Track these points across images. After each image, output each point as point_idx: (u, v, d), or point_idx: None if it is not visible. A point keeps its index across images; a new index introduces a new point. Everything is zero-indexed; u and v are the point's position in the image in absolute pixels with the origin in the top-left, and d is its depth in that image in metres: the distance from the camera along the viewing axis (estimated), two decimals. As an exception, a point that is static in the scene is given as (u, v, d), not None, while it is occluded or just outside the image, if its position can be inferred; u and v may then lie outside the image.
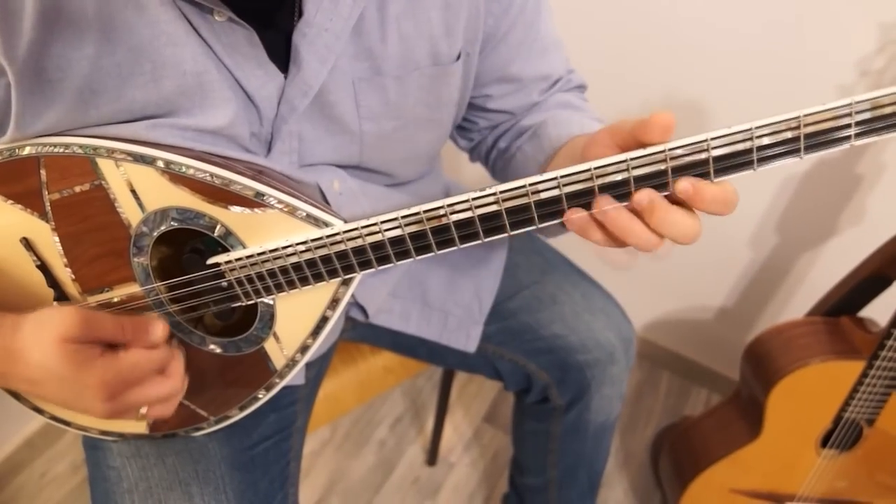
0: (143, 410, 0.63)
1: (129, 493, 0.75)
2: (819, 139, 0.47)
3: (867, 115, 0.46)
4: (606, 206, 0.52)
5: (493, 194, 0.53)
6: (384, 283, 0.92)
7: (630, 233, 0.53)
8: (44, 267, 0.64)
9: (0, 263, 0.65)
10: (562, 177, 0.51)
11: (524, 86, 0.82)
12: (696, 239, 0.53)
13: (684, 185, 0.50)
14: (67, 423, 0.76)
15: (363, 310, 0.92)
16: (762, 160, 0.49)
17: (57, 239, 0.62)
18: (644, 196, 0.51)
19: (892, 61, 1.12)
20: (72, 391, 0.58)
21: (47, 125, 0.58)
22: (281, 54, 0.63)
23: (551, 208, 0.53)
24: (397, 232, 0.56)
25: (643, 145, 0.50)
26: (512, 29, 0.76)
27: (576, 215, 0.53)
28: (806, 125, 0.47)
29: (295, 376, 0.71)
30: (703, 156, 0.49)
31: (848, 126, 0.46)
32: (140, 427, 0.76)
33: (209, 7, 0.57)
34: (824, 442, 1.15)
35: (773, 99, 1.26)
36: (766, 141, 0.48)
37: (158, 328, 0.62)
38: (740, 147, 0.48)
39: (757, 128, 0.47)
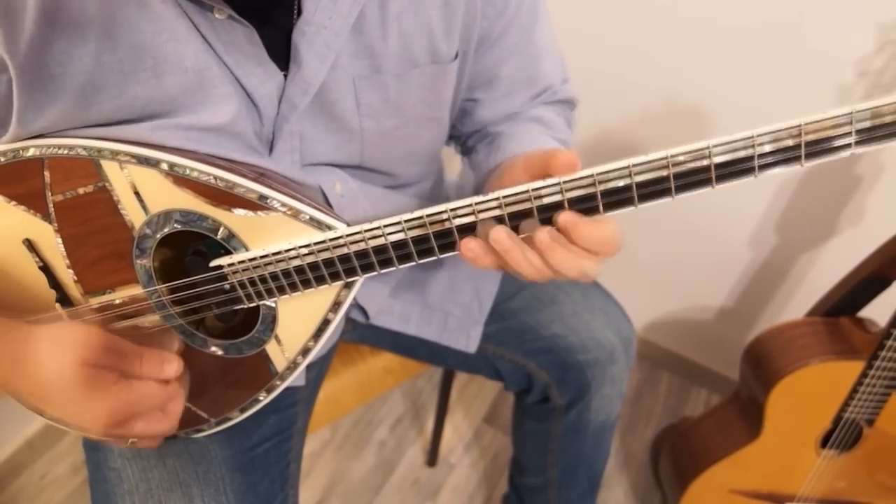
0: (134, 439, 0.63)
1: (130, 494, 0.75)
2: (820, 147, 0.48)
3: (867, 124, 0.46)
4: (502, 236, 0.53)
5: (496, 199, 0.53)
6: (385, 284, 0.92)
7: (523, 264, 0.55)
8: (46, 268, 0.64)
9: (2, 264, 0.65)
10: (564, 182, 0.51)
11: (509, 91, 0.82)
12: (589, 277, 0.55)
13: (564, 217, 0.52)
14: (69, 425, 0.76)
15: (363, 311, 0.92)
16: (763, 167, 0.49)
17: (59, 240, 0.62)
18: (545, 236, 0.52)
19: (891, 61, 1.13)
20: (76, 411, 0.58)
21: (49, 122, 0.58)
22: (281, 53, 0.63)
23: (553, 213, 0.53)
24: (400, 236, 0.56)
25: (549, 176, 0.52)
26: (506, 32, 0.76)
27: (473, 243, 0.55)
28: (807, 133, 0.47)
29: (295, 378, 0.71)
30: (705, 162, 0.49)
31: (848, 134, 0.47)
32: None
33: (209, 5, 0.57)
34: (824, 442, 1.15)
35: (772, 99, 1.26)
36: (767, 148, 0.48)
37: (173, 366, 0.63)
38: (741, 154, 0.49)
39: (758, 135, 0.48)
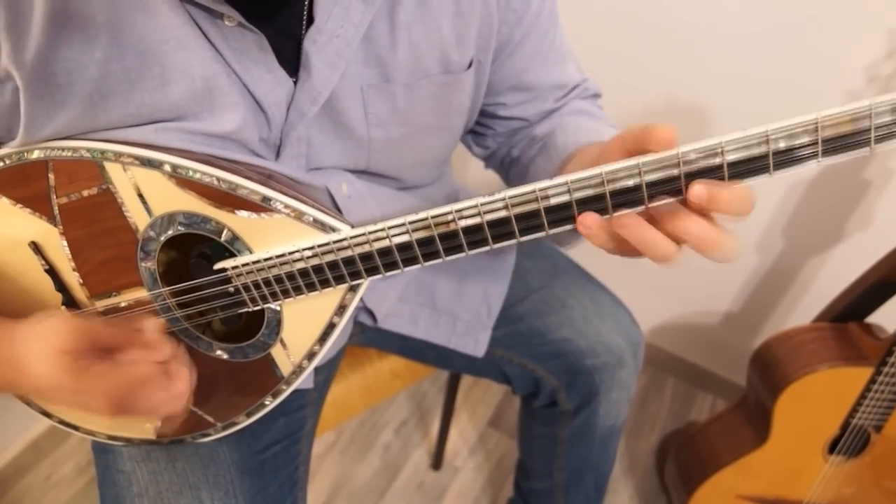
0: (153, 406, 0.62)
1: (140, 497, 0.75)
2: (837, 143, 0.46)
3: (887, 118, 0.44)
4: (628, 220, 0.51)
5: (502, 199, 0.52)
6: (393, 287, 0.92)
7: (645, 242, 0.52)
8: (52, 271, 0.64)
9: (8, 267, 0.65)
10: (572, 182, 0.50)
11: (539, 94, 0.82)
12: (723, 252, 0.51)
13: (698, 189, 0.48)
14: (75, 427, 0.76)
15: (372, 314, 0.91)
16: (779, 165, 0.47)
17: (65, 243, 0.62)
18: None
19: (901, 67, 1.12)
20: (78, 399, 0.57)
21: (56, 130, 0.58)
22: (291, 60, 0.63)
23: (561, 214, 0.52)
24: (405, 238, 0.55)
25: (648, 152, 0.50)
26: (526, 38, 0.76)
27: (590, 219, 0.52)
28: (824, 128, 0.45)
29: (304, 380, 0.71)
30: (718, 160, 0.48)
31: (867, 129, 0.45)
32: (147, 433, 0.76)
33: (219, 12, 0.56)
34: (832, 448, 1.15)
35: (779, 106, 1.25)
36: (782, 145, 0.46)
37: (150, 323, 0.62)
38: (756, 151, 0.47)
39: (773, 131, 0.46)
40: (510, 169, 0.89)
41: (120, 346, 0.60)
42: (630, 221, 0.51)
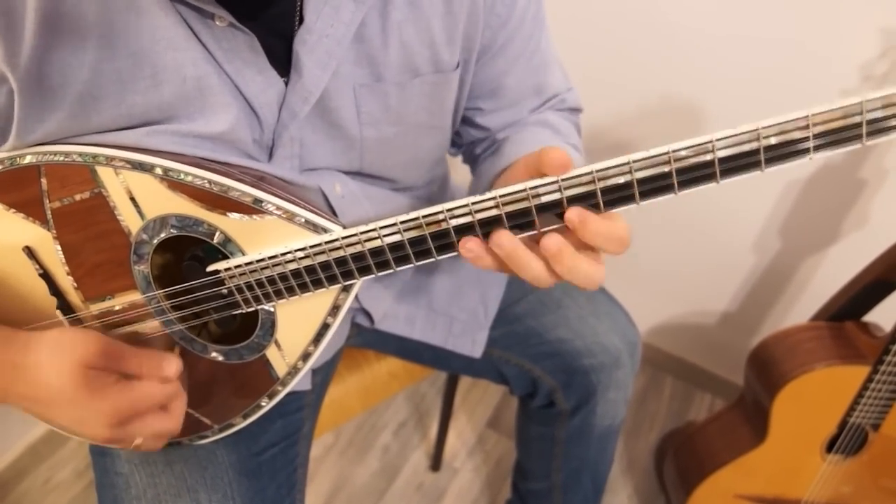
0: (139, 441, 0.63)
1: (138, 499, 0.75)
2: (829, 139, 0.46)
3: (879, 114, 0.44)
4: (504, 240, 0.53)
5: (493, 199, 0.52)
6: (389, 288, 0.92)
7: (518, 262, 0.54)
8: (46, 275, 0.64)
9: (2, 272, 0.65)
10: (563, 180, 0.51)
11: (516, 101, 0.82)
12: (594, 284, 0.54)
13: (571, 214, 0.50)
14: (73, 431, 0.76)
15: (369, 315, 0.91)
16: (770, 161, 0.47)
17: (58, 247, 0.62)
18: (553, 243, 0.51)
19: (894, 66, 1.12)
20: (78, 415, 0.58)
21: (49, 132, 0.58)
22: (282, 60, 0.63)
23: (552, 212, 0.52)
24: (396, 237, 0.56)
25: (544, 175, 0.51)
26: (509, 42, 0.76)
27: (471, 243, 0.54)
28: (815, 124, 0.45)
29: (301, 382, 0.71)
30: (709, 157, 0.48)
31: (858, 125, 0.45)
32: None
33: (210, 12, 0.57)
34: (829, 447, 1.15)
35: (774, 104, 1.25)
36: (773, 141, 0.46)
37: (173, 365, 0.62)
38: (747, 148, 0.47)
39: (764, 128, 0.46)
40: (471, 164, 0.90)
41: (139, 374, 0.61)
42: (505, 241, 0.53)
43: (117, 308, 0.66)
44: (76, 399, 0.56)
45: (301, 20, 0.62)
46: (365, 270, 0.58)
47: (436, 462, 1.62)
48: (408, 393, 1.79)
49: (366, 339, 1.01)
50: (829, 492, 1.21)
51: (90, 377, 0.56)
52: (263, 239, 0.60)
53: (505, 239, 0.53)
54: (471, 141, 0.88)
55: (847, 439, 1.12)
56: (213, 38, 0.59)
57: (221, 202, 0.58)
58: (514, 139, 0.80)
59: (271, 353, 0.68)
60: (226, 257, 0.61)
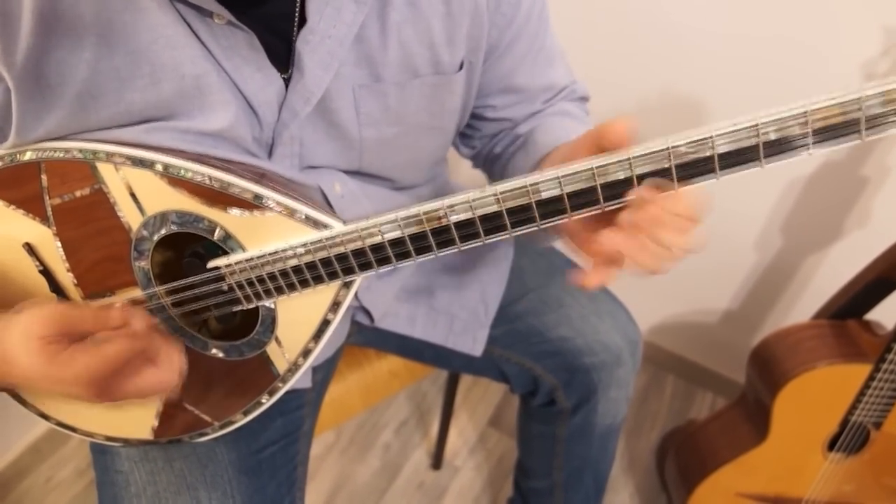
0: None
1: (137, 497, 0.75)
2: (828, 134, 0.45)
3: (878, 110, 0.44)
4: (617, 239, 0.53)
5: (494, 194, 0.52)
6: (390, 287, 0.92)
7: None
8: (46, 272, 0.64)
9: (3, 268, 0.65)
10: (563, 176, 0.51)
11: (528, 96, 0.82)
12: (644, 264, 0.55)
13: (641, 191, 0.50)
14: (73, 429, 0.76)
15: (369, 314, 0.91)
16: (769, 156, 0.47)
17: (59, 244, 0.62)
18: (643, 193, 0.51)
19: (897, 64, 1.12)
20: (60, 387, 0.57)
21: (48, 130, 0.58)
22: (281, 58, 0.63)
23: (552, 207, 0.52)
24: (397, 233, 0.56)
25: (605, 150, 0.51)
26: (516, 40, 0.76)
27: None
28: (814, 120, 0.45)
29: (301, 380, 0.71)
30: (708, 153, 0.48)
31: (857, 120, 0.44)
32: (145, 433, 0.76)
33: (208, 10, 0.57)
34: (831, 445, 1.14)
35: (776, 102, 1.25)
36: (772, 136, 0.46)
37: (137, 316, 0.60)
38: (745, 143, 0.47)
39: (763, 123, 0.46)
40: (493, 165, 0.89)
41: (89, 325, 0.58)
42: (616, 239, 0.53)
43: (118, 304, 0.66)
44: (48, 372, 0.55)
45: (302, 20, 0.62)
46: (365, 266, 0.58)
47: (437, 460, 1.62)
48: (409, 391, 1.79)
49: (366, 337, 1.01)
50: (830, 490, 1.21)
51: (52, 351, 0.55)
52: (264, 235, 0.60)
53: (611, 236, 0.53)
54: (490, 135, 0.88)
55: (849, 438, 1.12)
56: (212, 35, 0.59)
57: (222, 198, 0.58)
58: (541, 128, 0.80)
59: (272, 349, 0.68)
60: (226, 253, 0.61)
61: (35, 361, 0.55)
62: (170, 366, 0.63)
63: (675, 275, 1.64)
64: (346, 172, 0.75)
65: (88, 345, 0.57)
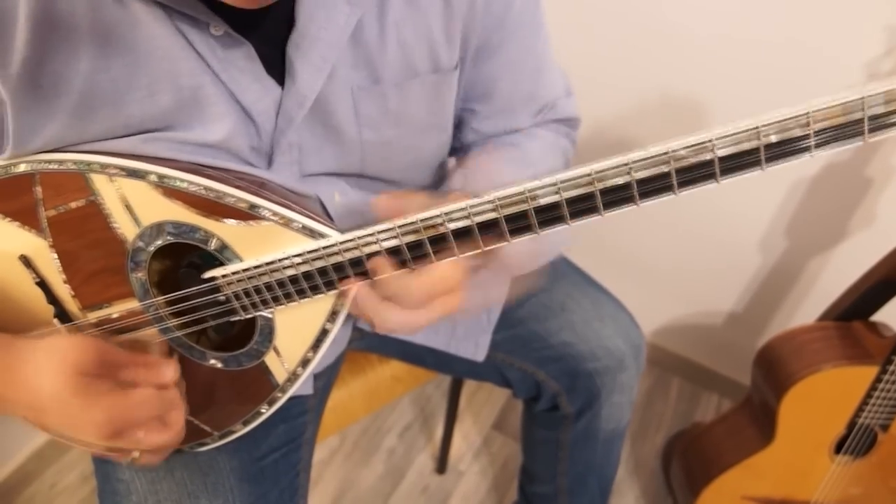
0: (136, 454, 0.62)
1: None
2: (830, 135, 0.44)
3: (881, 109, 0.43)
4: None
5: (491, 201, 0.52)
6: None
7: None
8: (43, 284, 0.64)
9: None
10: (561, 182, 0.50)
11: (509, 106, 0.81)
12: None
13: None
14: (73, 440, 0.75)
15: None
16: (771, 159, 0.46)
17: (55, 255, 0.62)
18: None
19: (900, 64, 1.11)
20: (74, 423, 0.56)
21: (46, 142, 0.58)
22: (279, 67, 0.63)
23: (551, 214, 0.51)
24: (394, 242, 0.55)
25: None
26: (504, 44, 0.75)
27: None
28: (816, 121, 0.44)
29: (303, 386, 0.71)
30: (708, 156, 0.47)
31: (860, 121, 0.43)
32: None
33: (205, 22, 0.56)
34: (838, 448, 1.14)
35: (779, 104, 1.24)
36: (773, 139, 0.45)
37: (170, 371, 0.62)
38: (746, 146, 0.46)
39: (763, 126, 0.45)
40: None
41: (123, 363, 0.59)
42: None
43: (115, 316, 0.66)
44: (70, 406, 0.55)
45: (294, 25, 0.61)
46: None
47: (441, 465, 1.62)
48: (413, 395, 1.79)
49: (368, 342, 1.01)
50: (837, 493, 1.20)
51: (84, 384, 0.55)
52: (260, 245, 0.59)
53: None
54: (464, 146, 0.86)
55: (856, 440, 1.12)
56: (209, 47, 0.58)
57: (217, 208, 0.58)
58: (470, 155, 0.80)
59: (270, 359, 0.67)
60: (222, 264, 0.61)
61: (61, 389, 0.54)
62: (176, 429, 0.63)
63: (680, 276, 1.64)
64: (349, 179, 0.75)
65: (115, 386, 0.57)
